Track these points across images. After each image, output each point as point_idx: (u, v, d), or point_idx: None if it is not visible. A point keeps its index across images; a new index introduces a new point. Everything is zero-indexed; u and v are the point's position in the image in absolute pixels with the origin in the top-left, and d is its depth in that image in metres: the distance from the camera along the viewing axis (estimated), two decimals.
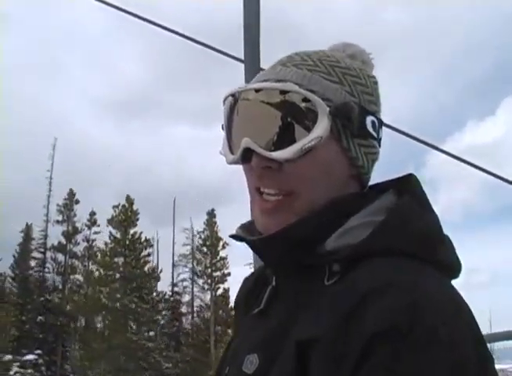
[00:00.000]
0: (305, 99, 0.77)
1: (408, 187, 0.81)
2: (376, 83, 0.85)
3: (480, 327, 0.68)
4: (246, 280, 1.00)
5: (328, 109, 0.77)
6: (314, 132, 0.76)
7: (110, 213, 33.35)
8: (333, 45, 0.89)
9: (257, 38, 2.11)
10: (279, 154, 0.76)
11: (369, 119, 0.81)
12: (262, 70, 2.16)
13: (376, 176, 0.86)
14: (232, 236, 0.85)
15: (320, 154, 0.77)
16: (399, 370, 0.61)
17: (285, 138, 0.76)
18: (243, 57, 2.14)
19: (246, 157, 0.79)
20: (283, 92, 0.77)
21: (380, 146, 0.85)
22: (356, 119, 0.78)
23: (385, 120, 0.87)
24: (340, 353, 0.64)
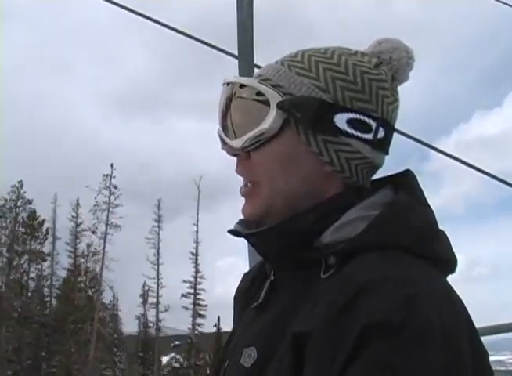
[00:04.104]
0: (260, 93, 0.80)
1: (405, 183, 0.81)
2: (375, 80, 0.81)
3: (477, 319, 0.69)
4: (246, 274, 1.00)
5: (276, 102, 0.79)
6: (262, 125, 0.79)
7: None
8: (374, 41, 0.87)
9: (250, 35, 2.11)
10: (234, 143, 0.82)
11: (344, 116, 0.78)
12: (256, 66, 2.17)
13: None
14: (230, 232, 0.86)
15: (278, 146, 0.79)
16: (394, 362, 0.60)
17: (243, 128, 0.81)
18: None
19: (224, 144, 0.85)
20: (242, 86, 0.83)
21: (378, 147, 0.81)
22: (314, 113, 0.77)
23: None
24: (335, 345, 0.64)
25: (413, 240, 0.73)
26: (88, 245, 35.47)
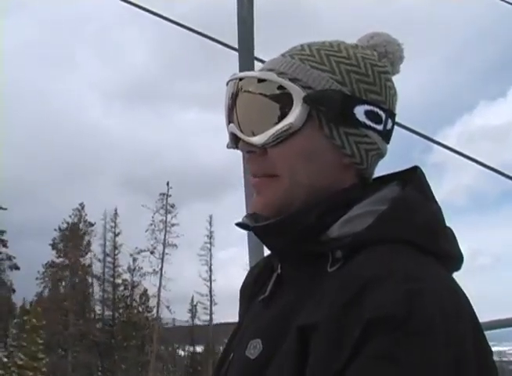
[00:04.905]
0: (281, 87, 0.79)
1: (413, 179, 0.82)
2: (383, 73, 0.83)
3: (479, 313, 0.69)
4: (253, 268, 1.01)
5: (302, 96, 0.78)
6: (287, 119, 0.78)
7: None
8: (364, 35, 0.89)
9: (251, 27, 2.09)
10: (255, 140, 0.80)
11: (362, 108, 0.80)
12: (257, 58, 2.16)
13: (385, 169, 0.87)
14: (238, 225, 0.86)
15: (301, 140, 0.79)
16: (396, 357, 0.61)
17: (264, 124, 0.80)
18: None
19: (235, 142, 0.84)
20: (261, 81, 0.81)
21: (386, 137, 0.83)
22: (338, 106, 0.78)
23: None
24: (339, 339, 0.64)
25: (420, 235, 0.73)
26: (134, 259, 34.81)
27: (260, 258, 1.07)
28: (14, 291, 34.78)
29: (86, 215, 34.77)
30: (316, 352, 0.66)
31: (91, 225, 34.81)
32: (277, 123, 0.78)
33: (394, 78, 0.87)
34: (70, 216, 34.35)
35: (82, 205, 34.84)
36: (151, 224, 33.57)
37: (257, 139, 0.80)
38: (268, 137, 0.79)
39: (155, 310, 33.92)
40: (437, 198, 0.82)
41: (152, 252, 33.22)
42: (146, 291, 34.92)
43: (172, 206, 33.97)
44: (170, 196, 33.95)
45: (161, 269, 33.17)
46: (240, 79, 0.83)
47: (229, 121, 0.84)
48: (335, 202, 0.78)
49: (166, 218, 33.84)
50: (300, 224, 0.77)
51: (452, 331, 0.63)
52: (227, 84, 0.85)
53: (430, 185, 0.82)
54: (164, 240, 33.45)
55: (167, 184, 34.16)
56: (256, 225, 0.82)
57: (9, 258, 32.71)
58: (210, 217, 36.32)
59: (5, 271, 32.93)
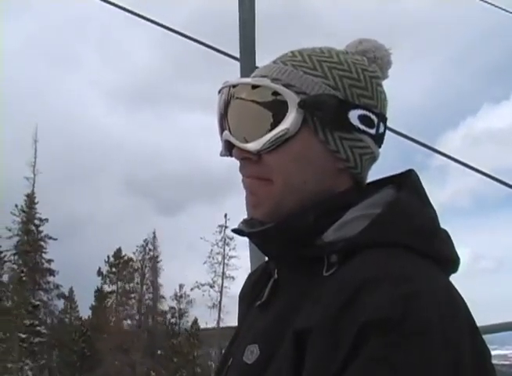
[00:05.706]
0: (276, 93, 0.79)
1: (407, 182, 0.82)
2: (374, 77, 0.84)
3: (482, 317, 0.69)
4: (251, 274, 1.01)
5: (297, 101, 0.79)
6: (282, 124, 0.78)
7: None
8: (352, 41, 0.90)
9: (252, 37, 2.11)
10: (251, 146, 0.80)
11: (356, 112, 0.80)
12: (258, 68, 2.17)
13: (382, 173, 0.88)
14: (234, 231, 0.86)
15: (296, 146, 0.79)
16: (393, 359, 0.61)
17: (258, 130, 0.80)
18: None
19: (229, 149, 0.84)
20: (255, 87, 0.81)
21: (378, 141, 0.84)
22: (333, 111, 0.78)
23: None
24: (336, 341, 0.64)
25: (414, 238, 0.74)
26: (181, 286, 34.26)
27: (261, 262, 1.08)
28: (62, 319, 34.66)
29: (150, 250, 34.65)
30: (313, 355, 0.66)
31: (158, 262, 34.52)
32: (271, 129, 0.79)
33: (397, 80, 0.89)
34: (134, 253, 34.29)
35: (146, 241, 34.59)
36: (209, 256, 33.12)
37: (253, 146, 0.80)
38: (264, 143, 0.79)
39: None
40: (440, 201, 0.85)
41: (211, 286, 32.74)
42: (196, 320, 34.39)
43: (231, 238, 33.10)
44: (227, 227, 32.88)
45: (220, 302, 32.65)
46: (233, 86, 0.83)
47: (222, 128, 0.85)
48: (331, 206, 0.79)
49: (224, 250, 33.25)
50: (296, 227, 0.78)
51: (450, 332, 0.63)
52: (219, 91, 0.86)
53: (426, 188, 0.83)
54: (223, 273, 32.90)
55: (225, 216, 33.19)
56: (252, 231, 0.83)
57: (57, 286, 32.76)
58: None
59: (53, 300, 32.89)
